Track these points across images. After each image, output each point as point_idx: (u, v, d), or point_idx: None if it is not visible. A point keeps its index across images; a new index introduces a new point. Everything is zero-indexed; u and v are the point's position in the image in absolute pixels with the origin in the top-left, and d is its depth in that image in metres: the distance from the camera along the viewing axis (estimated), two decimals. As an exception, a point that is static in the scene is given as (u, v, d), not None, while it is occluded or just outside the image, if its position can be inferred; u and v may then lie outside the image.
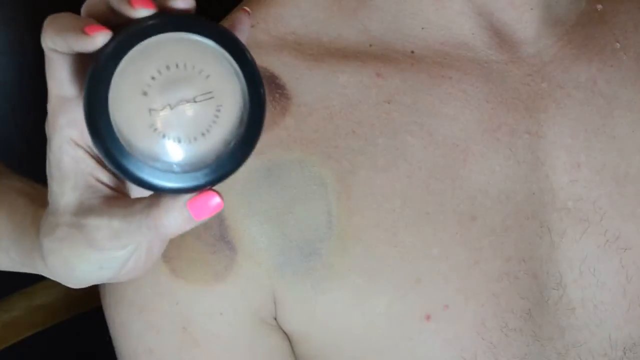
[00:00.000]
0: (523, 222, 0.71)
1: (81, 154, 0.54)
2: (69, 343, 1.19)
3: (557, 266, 0.72)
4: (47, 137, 0.55)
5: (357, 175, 0.68)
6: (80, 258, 0.55)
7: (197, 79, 0.50)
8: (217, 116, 0.50)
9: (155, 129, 0.50)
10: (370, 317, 0.69)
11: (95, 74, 0.50)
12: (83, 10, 0.53)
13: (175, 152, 0.51)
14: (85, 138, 0.53)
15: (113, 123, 0.49)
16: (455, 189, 0.70)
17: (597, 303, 0.72)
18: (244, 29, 0.57)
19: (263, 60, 0.70)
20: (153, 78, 0.50)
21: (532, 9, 0.71)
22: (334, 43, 0.71)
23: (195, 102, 0.50)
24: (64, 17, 0.52)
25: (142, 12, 0.50)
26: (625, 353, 0.73)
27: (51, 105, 0.54)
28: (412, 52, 0.71)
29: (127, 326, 0.70)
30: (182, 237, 0.67)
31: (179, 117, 0.50)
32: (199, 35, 0.50)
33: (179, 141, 0.50)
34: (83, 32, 0.50)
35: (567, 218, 0.72)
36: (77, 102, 0.54)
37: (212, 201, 0.51)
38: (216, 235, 0.67)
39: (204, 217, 0.51)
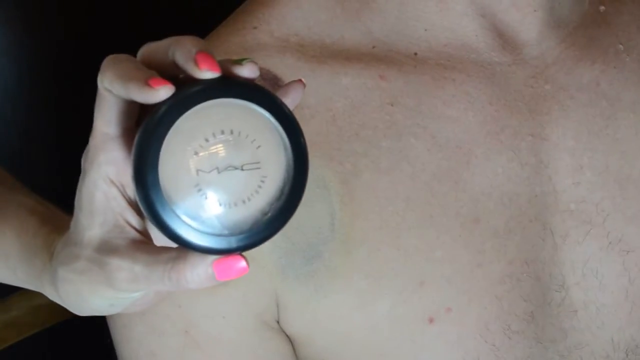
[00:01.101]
0: (526, 224, 0.71)
1: (115, 192, 0.54)
2: (69, 343, 1.19)
3: (559, 268, 0.71)
4: (83, 169, 0.55)
5: (360, 177, 0.68)
6: (95, 294, 0.55)
7: (248, 148, 0.51)
8: (260, 186, 0.51)
9: (200, 190, 0.51)
10: (373, 320, 0.68)
11: (150, 126, 0.50)
12: (141, 54, 0.53)
13: (214, 214, 0.51)
14: (121, 177, 0.54)
15: (159, 175, 0.50)
16: (458, 192, 0.69)
17: (600, 305, 0.72)
18: (298, 97, 0.57)
19: (266, 61, 0.70)
20: (206, 140, 0.51)
21: (535, 10, 0.71)
22: (336, 45, 0.71)
23: (242, 169, 0.51)
24: (127, 62, 0.52)
25: (207, 74, 0.50)
26: (627, 355, 0.73)
27: (94, 141, 0.54)
28: (415, 54, 0.71)
29: (129, 329, 0.70)
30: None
31: (224, 182, 0.51)
32: (256, 105, 0.51)
33: (220, 205, 0.51)
34: (147, 84, 0.50)
35: (569, 220, 0.72)
36: (119, 141, 0.54)
37: (238, 265, 0.51)
38: None
39: (227, 278, 0.51)
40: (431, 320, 0.69)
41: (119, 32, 0.94)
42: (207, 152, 0.51)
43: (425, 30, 0.71)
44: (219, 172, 0.51)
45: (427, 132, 0.70)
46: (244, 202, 0.51)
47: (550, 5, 0.72)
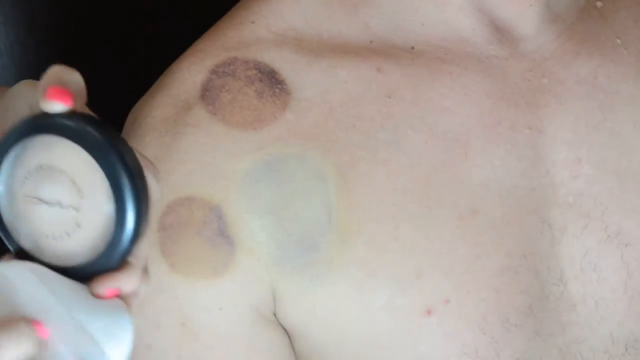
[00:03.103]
0: (524, 217, 0.71)
1: None
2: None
3: (558, 262, 0.71)
4: None
5: (357, 169, 0.68)
6: None
7: (67, 187, 0.52)
8: (78, 224, 0.52)
9: (26, 215, 0.53)
10: (370, 312, 0.68)
11: None
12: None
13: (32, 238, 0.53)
14: None
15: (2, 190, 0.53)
16: (455, 184, 0.69)
17: (598, 299, 0.72)
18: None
19: (263, 55, 0.70)
20: (35, 170, 0.52)
21: (531, 5, 0.71)
22: (334, 39, 0.71)
23: (59, 205, 0.52)
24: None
25: (54, 107, 0.50)
26: (627, 349, 0.73)
27: None
28: (413, 47, 0.72)
29: None
30: (181, 232, 0.67)
31: (44, 215, 0.52)
32: (82, 148, 0.51)
33: (39, 233, 0.52)
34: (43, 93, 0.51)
35: (567, 213, 0.72)
36: None
37: None
38: (215, 230, 0.67)
39: None
40: (429, 312, 0.69)
41: (120, 33, 0.94)
42: (35, 181, 0.52)
43: (423, 24, 0.72)
44: (39, 202, 0.52)
45: (424, 124, 0.70)
46: (68, 234, 0.52)
47: (547, 0, 0.72)
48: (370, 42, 0.71)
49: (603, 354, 0.72)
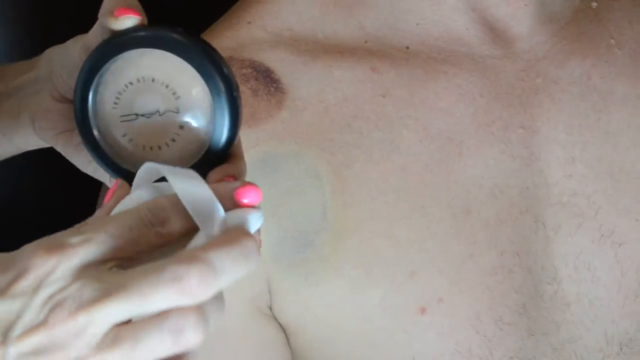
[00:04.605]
0: (517, 216, 0.71)
1: None
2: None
3: (551, 261, 0.72)
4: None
5: (352, 168, 0.69)
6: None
7: (165, 94, 0.53)
8: (178, 134, 0.53)
9: (124, 134, 0.54)
10: (364, 310, 0.69)
11: (81, 72, 0.54)
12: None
13: (133, 155, 0.54)
14: None
15: (93, 115, 0.54)
16: (449, 183, 0.70)
17: (592, 298, 0.72)
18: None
19: (259, 55, 0.70)
20: (125, 87, 0.53)
21: (525, 5, 0.72)
22: (329, 39, 0.72)
23: (159, 115, 0.53)
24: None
25: (125, 22, 0.52)
26: (621, 348, 0.73)
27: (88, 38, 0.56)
28: (407, 47, 0.72)
29: None
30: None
31: (145, 129, 0.53)
32: (179, 57, 0.52)
33: (137, 146, 0.54)
34: (111, 14, 0.52)
35: (561, 213, 0.72)
36: None
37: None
38: None
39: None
40: (423, 311, 0.69)
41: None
42: (125, 99, 0.53)
43: (417, 24, 0.72)
44: (136, 117, 0.53)
45: (418, 123, 0.70)
46: (167, 145, 0.53)
47: (541, 1, 0.72)
48: (365, 42, 0.72)
49: (597, 352, 0.72)
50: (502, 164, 0.71)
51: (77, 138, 0.56)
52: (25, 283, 0.45)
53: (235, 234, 0.47)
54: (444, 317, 0.69)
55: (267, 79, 0.70)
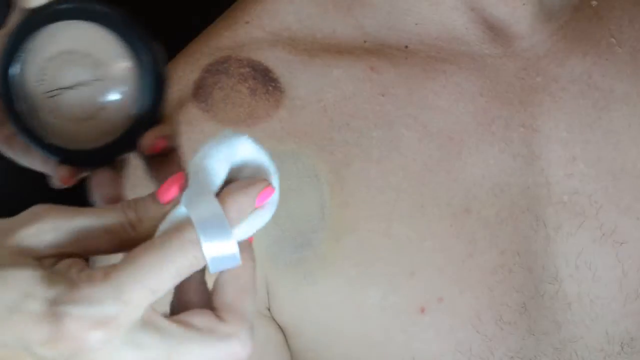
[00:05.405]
0: (518, 215, 0.71)
1: None
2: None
3: (552, 260, 0.71)
4: None
5: (351, 167, 0.69)
6: None
7: (88, 65, 0.53)
8: (104, 103, 0.53)
9: (51, 111, 0.53)
10: (363, 310, 0.68)
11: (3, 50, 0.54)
12: None
13: (64, 130, 0.54)
14: None
15: (18, 98, 0.53)
16: (449, 182, 0.69)
17: (594, 298, 0.72)
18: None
19: (257, 54, 0.70)
20: (48, 63, 0.53)
21: (524, 4, 0.72)
22: (328, 39, 0.72)
23: (84, 86, 0.53)
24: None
25: None
26: (622, 348, 0.72)
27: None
28: (406, 46, 0.72)
29: None
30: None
31: (71, 101, 0.53)
32: (101, 25, 0.52)
33: (69, 121, 0.53)
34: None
35: (562, 212, 0.71)
36: None
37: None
38: None
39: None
40: (423, 310, 0.69)
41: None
42: (51, 73, 0.53)
43: (416, 24, 0.72)
44: (61, 91, 0.53)
45: (418, 122, 0.70)
46: (86, 119, 0.53)
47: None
48: (364, 41, 0.72)
49: (598, 352, 0.72)
50: (503, 162, 0.71)
51: (7, 130, 0.55)
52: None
53: None
54: (444, 316, 0.69)
55: (266, 78, 0.69)
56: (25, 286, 0.46)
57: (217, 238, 0.48)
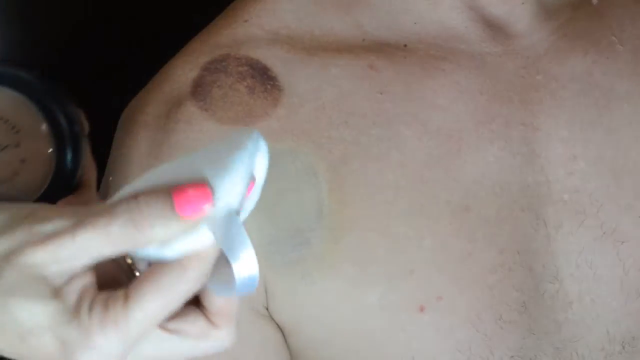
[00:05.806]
0: (518, 214, 0.70)
1: None
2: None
3: (553, 259, 0.71)
4: None
5: (349, 165, 0.68)
6: None
7: (4, 130, 0.54)
8: (19, 167, 0.54)
9: None
10: (362, 309, 0.68)
11: None
12: None
13: None
14: None
15: None
16: (449, 180, 0.69)
17: (594, 297, 0.71)
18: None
19: (256, 53, 0.70)
20: None
21: (523, 3, 0.72)
22: (326, 37, 0.72)
23: (1, 151, 0.54)
24: None
25: None
26: (624, 347, 0.72)
27: None
28: (405, 45, 0.72)
29: None
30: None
31: None
32: (9, 89, 0.54)
33: None
34: None
35: (563, 210, 0.71)
36: None
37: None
38: None
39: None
40: (422, 309, 0.68)
41: (119, 33, 0.94)
42: None
43: (415, 23, 0.72)
44: None
45: (417, 120, 0.70)
46: (3, 182, 0.54)
47: None
48: (363, 40, 0.72)
49: (599, 352, 0.72)
50: (502, 161, 0.70)
51: None
52: None
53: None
54: (443, 315, 0.68)
55: (264, 76, 0.69)
56: (41, 319, 0.47)
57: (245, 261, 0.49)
